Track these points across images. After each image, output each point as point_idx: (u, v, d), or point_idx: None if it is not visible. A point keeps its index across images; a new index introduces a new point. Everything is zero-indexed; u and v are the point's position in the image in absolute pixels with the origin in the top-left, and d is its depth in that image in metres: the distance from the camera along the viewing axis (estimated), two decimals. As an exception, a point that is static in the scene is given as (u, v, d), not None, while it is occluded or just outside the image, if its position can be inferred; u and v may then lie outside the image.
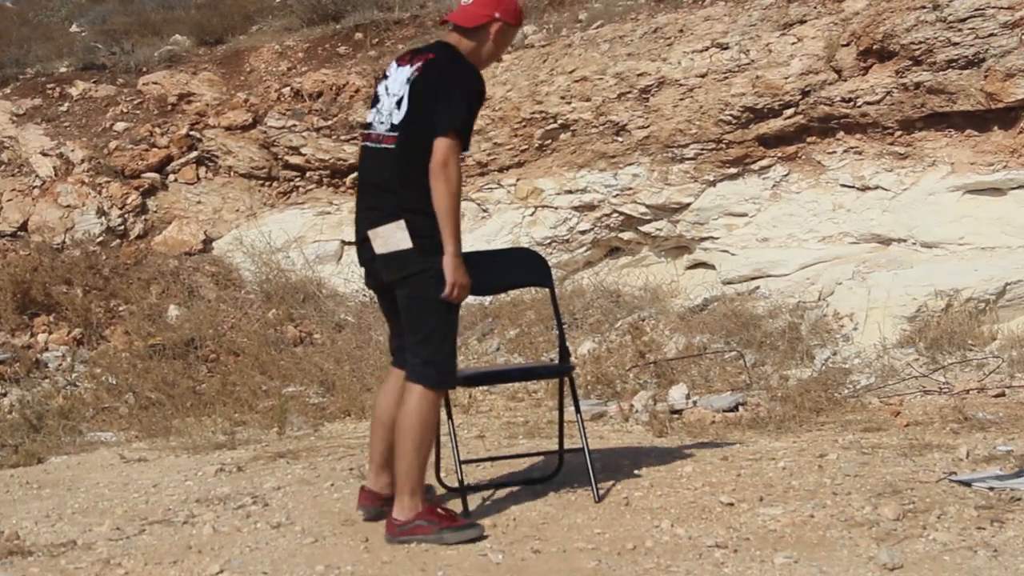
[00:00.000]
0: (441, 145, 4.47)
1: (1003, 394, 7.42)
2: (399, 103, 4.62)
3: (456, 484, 5.08)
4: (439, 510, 4.70)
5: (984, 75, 8.75)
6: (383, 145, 4.66)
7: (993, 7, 8.69)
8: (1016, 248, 8.63)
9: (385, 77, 4.82)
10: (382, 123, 4.68)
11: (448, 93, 4.54)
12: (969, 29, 8.75)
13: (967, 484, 5.12)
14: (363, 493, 4.92)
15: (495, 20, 4.68)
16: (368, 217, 4.67)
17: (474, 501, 5.09)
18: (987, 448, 5.84)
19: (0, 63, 12.84)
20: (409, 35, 11.72)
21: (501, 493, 5.26)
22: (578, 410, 5.30)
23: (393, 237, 4.52)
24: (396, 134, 4.60)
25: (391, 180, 4.61)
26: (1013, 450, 5.74)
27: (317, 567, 4.28)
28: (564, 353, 5.43)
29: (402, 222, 4.51)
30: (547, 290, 5.60)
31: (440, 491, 5.24)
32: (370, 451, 5.00)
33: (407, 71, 4.68)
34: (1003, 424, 6.57)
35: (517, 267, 5.43)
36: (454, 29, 4.76)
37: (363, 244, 4.69)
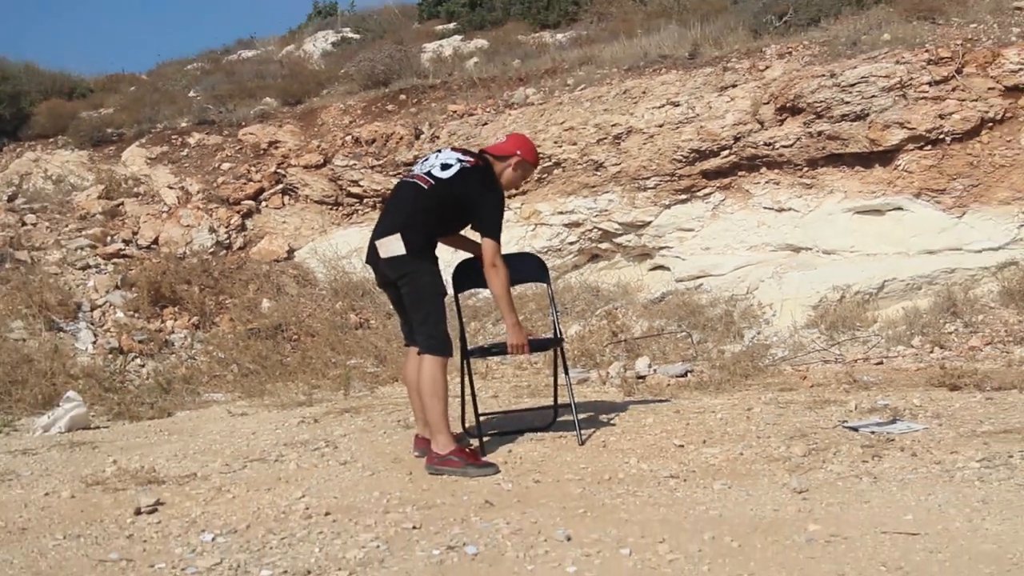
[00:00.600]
0: (490, 248, 4.73)
1: (882, 362, 7.48)
2: (445, 167, 4.83)
3: (476, 432, 5.11)
4: (467, 450, 4.77)
5: (868, 126, 8.78)
6: (415, 180, 4.86)
7: (875, 75, 8.73)
8: (892, 254, 8.67)
9: (439, 151, 5.04)
10: (422, 169, 4.90)
11: (492, 201, 4.79)
12: (857, 91, 8.79)
13: (855, 429, 5.16)
14: (417, 439, 4.99)
15: (516, 155, 4.92)
16: (379, 230, 4.85)
17: (490, 445, 5.12)
18: (870, 402, 5.86)
19: (138, 120, 12.91)
20: (440, 96, 11.73)
21: (510, 439, 5.28)
22: (567, 374, 5.34)
23: (392, 246, 4.71)
24: (432, 181, 4.79)
25: (408, 207, 4.81)
26: (889, 404, 5.77)
27: (374, 493, 4.33)
28: (557, 332, 5.46)
29: (398, 235, 4.70)
30: (545, 285, 5.61)
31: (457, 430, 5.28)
32: (413, 411, 5.05)
33: (460, 155, 4.93)
34: (882, 385, 6.60)
35: (522, 267, 5.44)
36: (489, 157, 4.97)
37: (372, 249, 4.86)
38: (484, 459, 4.79)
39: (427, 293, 4.71)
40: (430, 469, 4.65)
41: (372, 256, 4.86)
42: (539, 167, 5.23)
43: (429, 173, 4.82)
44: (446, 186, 4.77)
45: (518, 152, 4.94)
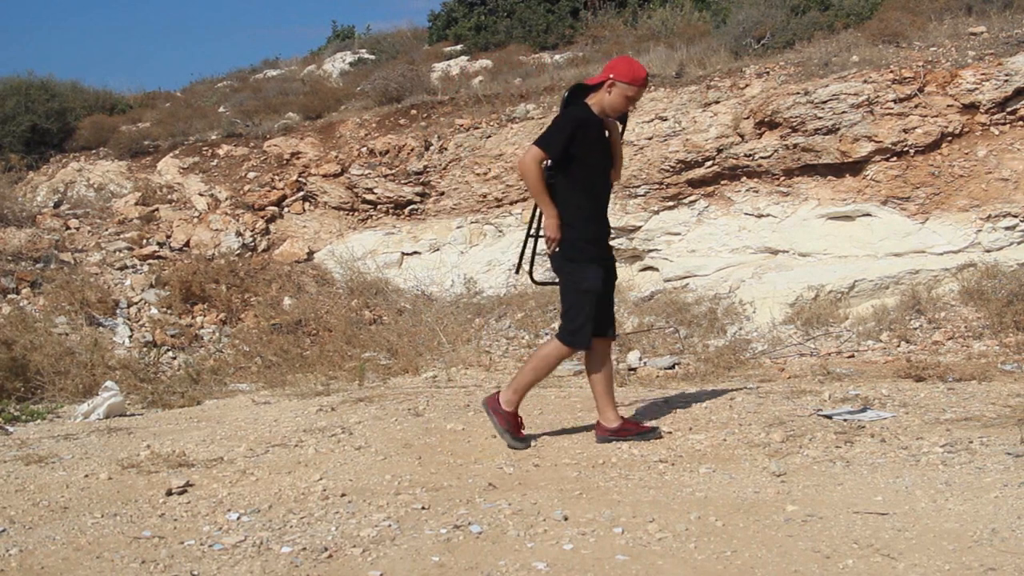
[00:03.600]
0: (527, 150, 4.49)
1: (853, 356, 7.44)
2: None
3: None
4: (519, 419, 4.77)
5: (839, 139, 8.75)
6: None
7: (845, 93, 8.72)
8: (861, 257, 8.65)
9: None
10: None
11: (551, 126, 4.54)
12: (829, 108, 8.77)
13: (829, 417, 5.12)
14: (599, 427, 4.85)
15: (609, 79, 4.55)
16: None
17: (494, 435, 5.05)
18: (842, 392, 5.81)
19: (172, 133, 12.89)
20: (447, 111, 11.67)
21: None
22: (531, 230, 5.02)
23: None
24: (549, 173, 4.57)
25: None
26: (860, 394, 5.73)
27: (386, 476, 4.30)
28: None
29: None
30: (542, 288, 5.25)
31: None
32: (595, 399, 4.86)
33: None
34: (853, 376, 6.57)
35: None
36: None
37: None
38: (525, 435, 4.78)
39: (570, 289, 4.60)
40: (485, 409, 4.75)
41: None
42: (647, 84, 4.67)
43: None
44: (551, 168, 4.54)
45: (611, 76, 4.55)
